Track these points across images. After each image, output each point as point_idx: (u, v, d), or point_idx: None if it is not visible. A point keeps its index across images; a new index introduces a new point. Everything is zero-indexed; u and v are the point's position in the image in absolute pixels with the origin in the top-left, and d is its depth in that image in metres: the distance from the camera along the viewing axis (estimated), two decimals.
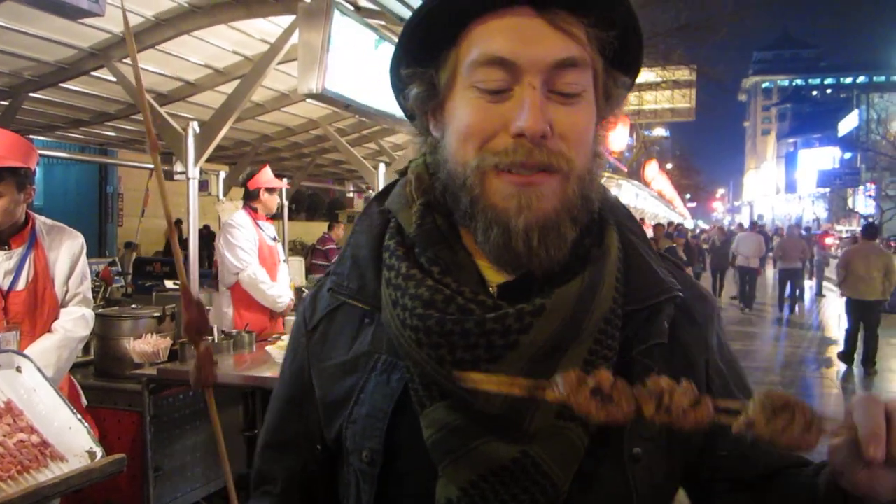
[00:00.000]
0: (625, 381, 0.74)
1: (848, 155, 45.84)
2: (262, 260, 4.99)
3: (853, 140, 42.09)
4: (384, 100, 4.59)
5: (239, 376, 3.55)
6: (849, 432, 0.72)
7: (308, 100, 4.63)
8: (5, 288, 2.87)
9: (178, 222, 12.12)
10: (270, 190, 5.18)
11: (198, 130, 4.15)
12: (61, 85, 4.94)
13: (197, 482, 4.06)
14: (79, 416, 2.26)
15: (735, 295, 17.55)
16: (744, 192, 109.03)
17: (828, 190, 43.26)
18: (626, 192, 20.29)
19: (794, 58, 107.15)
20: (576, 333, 0.82)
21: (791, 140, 76.94)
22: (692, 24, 22.45)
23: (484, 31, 0.82)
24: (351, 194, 17.39)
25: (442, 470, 0.83)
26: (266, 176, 5.20)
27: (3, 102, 5.25)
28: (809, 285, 20.56)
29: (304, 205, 19.42)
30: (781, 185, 74.26)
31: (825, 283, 20.20)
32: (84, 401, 3.34)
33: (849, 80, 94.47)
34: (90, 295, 3.25)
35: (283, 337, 3.96)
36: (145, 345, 3.75)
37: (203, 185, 7.34)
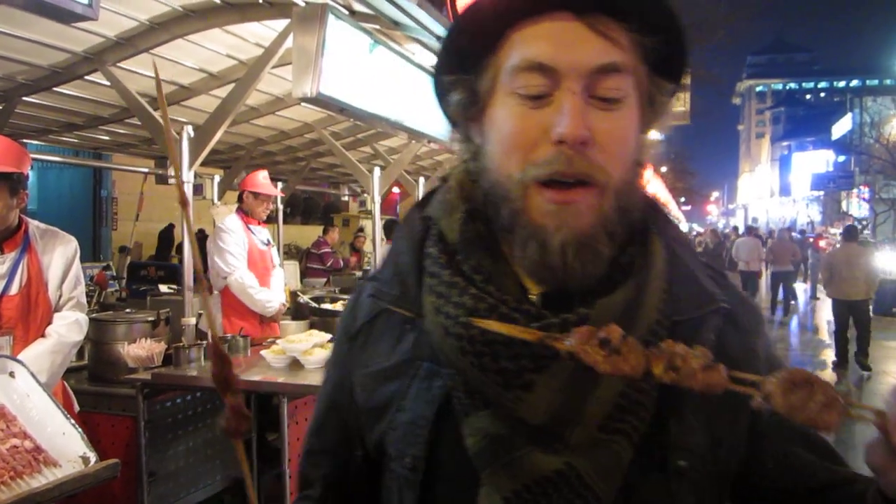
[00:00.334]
0: (636, 340, 0.74)
1: (842, 158, 45.97)
2: (253, 264, 4.98)
3: (847, 143, 42.20)
4: (379, 103, 4.59)
5: None
6: (878, 419, 0.70)
7: (303, 104, 4.63)
8: None
9: (171, 227, 12.12)
10: (255, 194, 5.16)
11: (192, 134, 4.14)
12: (55, 89, 4.92)
13: (191, 487, 4.05)
14: (72, 422, 2.25)
15: None
16: (738, 195, 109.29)
17: (822, 193, 43.36)
18: None
19: (788, 61, 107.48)
20: None
21: (785, 143, 77.14)
22: (686, 28, 22.52)
23: (524, 36, 0.82)
24: (346, 198, 17.36)
25: (485, 478, 0.82)
26: (252, 179, 5.18)
27: None
28: (805, 288, 20.61)
29: (298, 209, 19.38)
30: (776, 189, 74.44)
31: (819, 286, 20.27)
32: (76, 407, 3.33)
33: (842, 83, 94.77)
34: (84, 299, 3.24)
35: (277, 341, 3.95)
36: (139, 349, 3.74)
37: (198, 190, 7.34)
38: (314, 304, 5.20)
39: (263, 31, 4.36)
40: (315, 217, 19.62)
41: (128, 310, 4.58)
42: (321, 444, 1.05)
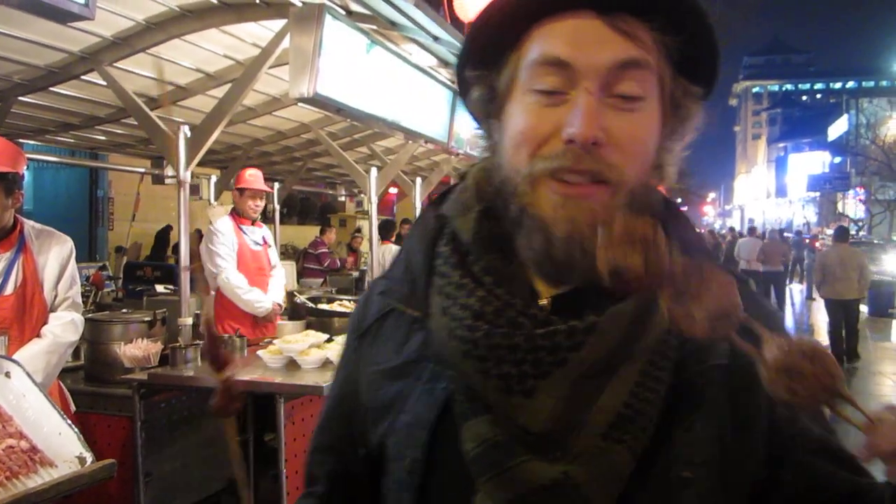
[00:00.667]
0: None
1: (838, 159, 46.10)
2: (244, 265, 4.97)
3: (843, 144, 42.33)
4: (376, 104, 4.59)
5: None
6: (867, 425, 0.67)
7: (299, 104, 4.64)
8: None
9: (168, 228, 12.10)
10: (241, 191, 5.13)
11: (189, 134, 4.14)
12: (51, 89, 4.91)
13: (188, 488, 4.04)
14: (69, 422, 2.25)
15: None
16: (734, 196, 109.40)
17: (818, 194, 43.50)
18: None
19: (785, 63, 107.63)
20: (628, 353, 0.79)
21: (781, 144, 77.28)
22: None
23: (544, 33, 0.82)
24: (342, 198, 17.37)
25: (480, 486, 0.80)
26: (239, 177, 5.17)
27: None
28: (800, 289, 20.66)
29: (295, 209, 19.37)
30: (772, 190, 74.54)
31: (814, 287, 20.34)
32: (73, 407, 3.32)
33: (838, 85, 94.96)
34: (79, 299, 3.24)
35: (274, 341, 3.95)
36: (136, 349, 3.73)
37: (194, 190, 7.33)
38: (311, 305, 5.19)
39: (260, 31, 4.35)
40: (312, 217, 19.63)
41: (124, 310, 4.58)
42: (327, 441, 1.05)
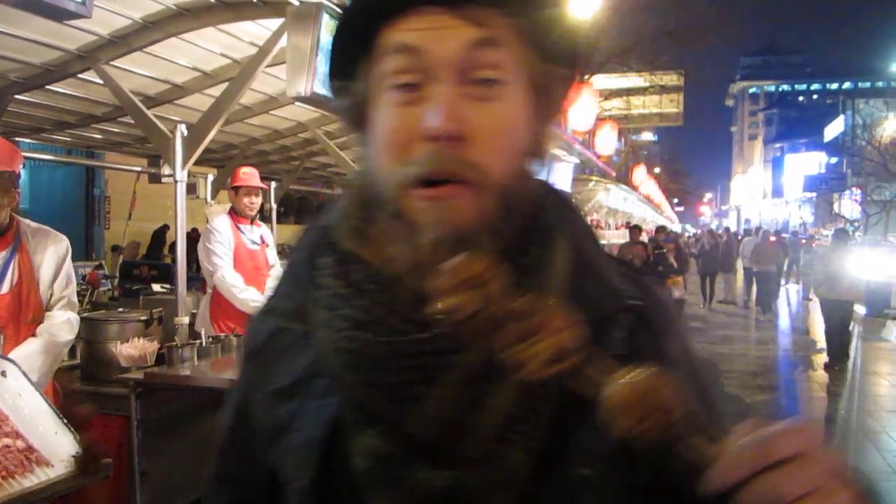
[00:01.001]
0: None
1: (834, 160, 46.22)
2: (241, 264, 4.95)
3: (839, 145, 42.46)
4: None
5: (226, 380, 3.53)
6: (712, 457, 0.63)
7: (296, 103, 4.63)
8: None
9: (166, 227, 12.08)
10: (235, 189, 5.12)
11: (186, 133, 4.13)
12: (48, 87, 4.90)
13: (184, 487, 4.03)
14: (64, 421, 2.24)
15: (723, 299, 17.89)
16: (731, 196, 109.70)
17: (814, 195, 43.59)
18: (614, 196, 20.37)
19: (781, 63, 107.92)
20: None
21: (778, 145, 77.52)
22: (679, 30, 22.62)
23: (394, 30, 0.79)
24: None
25: (371, 500, 0.78)
26: (233, 175, 5.15)
27: None
28: (797, 289, 20.72)
29: (292, 208, 19.35)
30: (768, 190, 74.74)
31: (811, 288, 20.44)
32: None
33: (835, 85, 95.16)
34: (75, 298, 3.23)
35: None
36: (132, 349, 3.72)
37: (191, 189, 7.30)
38: None
39: (257, 29, 4.35)
40: (309, 216, 19.61)
41: (120, 309, 4.57)
42: (223, 469, 1.01)
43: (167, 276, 6.95)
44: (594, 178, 17.37)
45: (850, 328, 10.31)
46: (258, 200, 5.24)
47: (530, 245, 0.83)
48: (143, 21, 4.13)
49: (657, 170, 54.29)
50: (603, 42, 20.09)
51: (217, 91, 4.76)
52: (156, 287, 6.56)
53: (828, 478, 0.60)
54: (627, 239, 13.00)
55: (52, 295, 3.06)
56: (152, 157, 8.14)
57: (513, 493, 0.76)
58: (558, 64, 0.84)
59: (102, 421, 3.75)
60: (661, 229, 14.87)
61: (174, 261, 4.34)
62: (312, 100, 3.87)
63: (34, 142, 7.31)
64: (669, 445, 0.65)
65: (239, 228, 5.07)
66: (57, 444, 2.16)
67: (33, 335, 2.95)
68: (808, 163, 54.17)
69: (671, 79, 29.88)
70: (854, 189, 36.71)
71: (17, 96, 5.04)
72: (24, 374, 2.36)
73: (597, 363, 0.69)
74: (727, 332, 13.34)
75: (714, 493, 0.64)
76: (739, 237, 24.40)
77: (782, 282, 20.40)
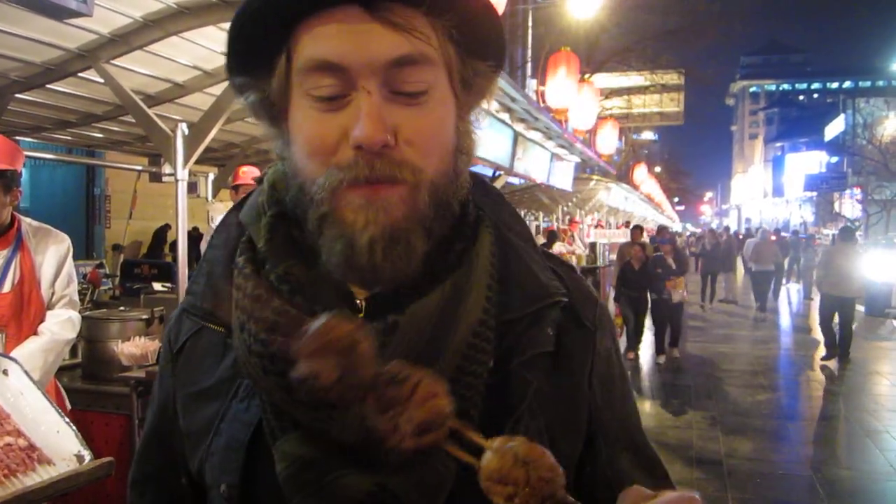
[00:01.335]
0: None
1: (834, 159, 46.23)
2: None
3: (840, 144, 42.43)
4: None
5: None
6: None
7: None
8: None
9: (167, 227, 12.07)
10: (235, 188, 5.12)
11: (186, 132, 4.13)
12: (48, 86, 4.90)
13: None
14: (66, 420, 2.24)
15: (724, 298, 17.95)
16: (731, 195, 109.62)
17: (814, 194, 43.55)
18: (614, 195, 20.35)
19: (782, 62, 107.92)
20: (439, 350, 0.75)
21: (778, 144, 77.49)
22: (680, 29, 22.63)
23: (311, 34, 0.75)
24: None
25: None
26: (237, 174, 5.16)
27: None
28: (798, 288, 20.71)
29: None
30: (769, 189, 74.68)
31: (812, 287, 20.47)
32: (68, 405, 3.32)
33: (835, 84, 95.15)
34: (77, 297, 3.23)
35: None
36: (133, 347, 3.72)
37: (192, 188, 7.30)
38: None
39: None
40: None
41: (121, 308, 4.57)
42: (146, 471, 0.99)
43: (168, 274, 6.94)
44: (595, 177, 17.36)
45: (853, 326, 10.32)
46: None
47: (457, 241, 0.82)
48: (143, 20, 4.12)
49: (658, 169, 54.29)
50: (604, 41, 20.10)
51: (218, 90, 4.76)
52: (157, 286, 6.56)
53: None
54: (628, 238, 12.98)
55: (53, 294, 3.06)
56: (153, 156, 8.14)
57: (440, 496, 0.75)
58: (481, 59, 0.82)
59: (103, 419, 3.76)
60: (661, 229, 14.86)
61: (175, 259, 4.33)
62: None
63: (35, 141, 7.32)
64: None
65: None
66: (59, 443, 2.16)
67: (35, 334, 2.96)
68: (808, 162, 54.13)
69: (672, 78, 29.93)
70: (855, 188, 36.70)
71: (17, 95, 5.03)
72: (26, 372, 2.36)
73: (468, 432, 0.68)
74: (728, 332, 13.34)
75: None
76: (740, 237, 24.43)
77: (783, 281, 20.44)
